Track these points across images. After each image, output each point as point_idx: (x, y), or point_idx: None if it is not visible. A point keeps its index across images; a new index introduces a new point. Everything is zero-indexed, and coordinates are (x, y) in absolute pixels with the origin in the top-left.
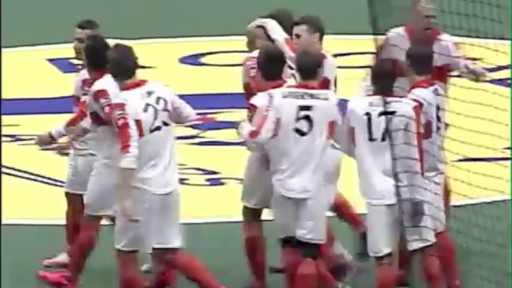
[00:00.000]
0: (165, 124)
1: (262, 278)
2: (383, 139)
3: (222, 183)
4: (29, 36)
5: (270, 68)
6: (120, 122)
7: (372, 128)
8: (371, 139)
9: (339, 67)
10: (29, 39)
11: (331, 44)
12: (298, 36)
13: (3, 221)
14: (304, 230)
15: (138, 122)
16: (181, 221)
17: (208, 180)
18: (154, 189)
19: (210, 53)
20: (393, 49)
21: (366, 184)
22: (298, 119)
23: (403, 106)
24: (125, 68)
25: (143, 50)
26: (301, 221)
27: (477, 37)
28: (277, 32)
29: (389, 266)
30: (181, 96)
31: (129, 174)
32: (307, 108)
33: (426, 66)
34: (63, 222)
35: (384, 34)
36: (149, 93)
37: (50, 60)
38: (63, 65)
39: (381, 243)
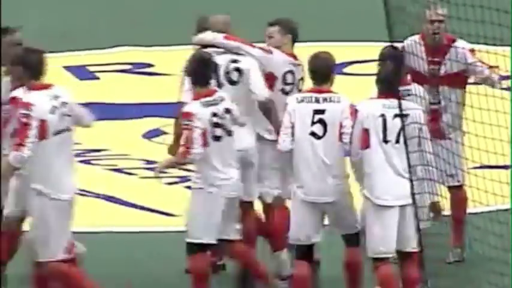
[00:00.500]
0: (68, 129)
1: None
2: (397, 141)
3: None
4: (44, 43)
5: (200, 73)
6: (23, 120)
7: (386, 129)
8: (385, 141)
9: (358, 74)
10: (44, 46)
11: (350, 51)
12: (270, 37)
13: None
14: (340, 228)
15: (43, 123)
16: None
17: None
18: (59, 195)
19: None
20: (409, 56)
21: (377, 185)
22: (313, 123)
23: (416, 111)
24: (33, 69)
25: (162, 57)
26: (332, 222)
27: (494, 44)
28: (215, 37)
29: (389, 262)
30: None
31: (12, 171)
32: (321, 112)
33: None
34: (80, 229)
35: (400, 41)
36: (56, 97)
37: (66, 68)
38: (80, 72)
39: (392, 244)
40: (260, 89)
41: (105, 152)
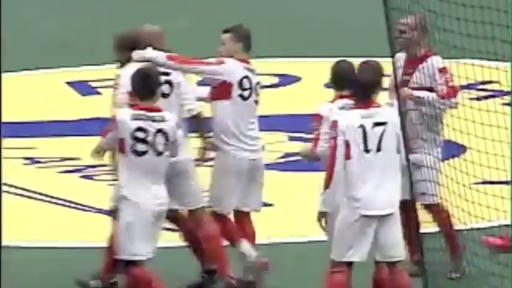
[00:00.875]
0: None
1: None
2: (378, 149)
3: None
4: (47, 59)
5: (142, 88)
6: None
7: (367, 139)
8: (366, 150)
9: None
10: (47, 62)
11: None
12: (223, 43)
13: (19, 243)
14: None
15: None
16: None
17: None
18: None
19: None
20: (397, 69)
21: (358, 195)
22: None
23: (394, 119)
24: None
25: None
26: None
27: (496, 60)
28: (157, 56)
29: (345, 270)
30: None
31: None
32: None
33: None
34: (82, 245)
35: None
36: None
37: (69, 83)
38: (82, 88)
39: (363, 252)
40: (191, 104)
41: (108, 167)
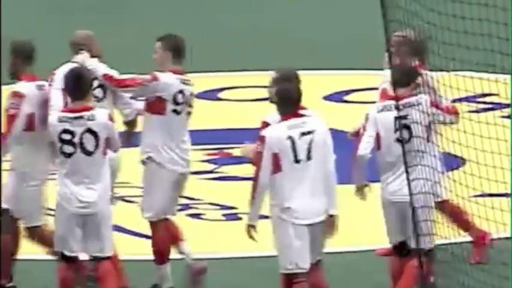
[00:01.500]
0: None
1: None
2: (308, 158)
3: (239, 218)
4: (48, 71)
5: (72, 88)
6: None
7: (296, 150)
8: (297, 161)
9: (359, 102)
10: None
11: (351, 79)
12: (156, 51)
13: (18, 255)
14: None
15: None
16: (199, 256)
17: (224, 215)
18: None
19: (227, 88)
20: None
21: (291, 205)
22: (397, 129)
23: (321, 127)
24: None
25: None
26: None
27: (495, 72)
28: (96, 71)
29: (303, 280)
30: (198, 131)
31: None
32: (403, 117)
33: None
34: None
35: None
36: None
37: None
38: None
39: (302, 259)
40: (128, 108)
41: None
